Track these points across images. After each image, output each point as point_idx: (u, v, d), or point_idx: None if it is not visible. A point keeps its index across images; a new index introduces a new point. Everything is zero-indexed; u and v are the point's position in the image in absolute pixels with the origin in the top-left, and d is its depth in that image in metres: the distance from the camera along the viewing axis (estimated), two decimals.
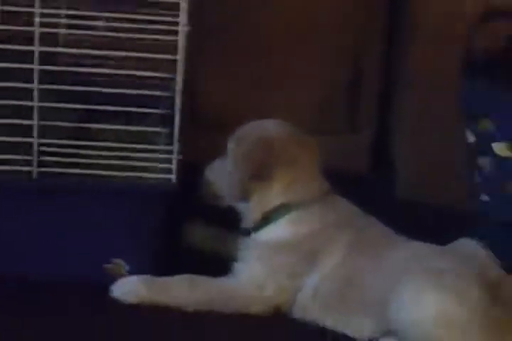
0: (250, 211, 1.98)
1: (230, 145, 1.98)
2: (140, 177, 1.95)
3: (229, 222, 2.06)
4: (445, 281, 1.75)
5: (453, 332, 1.73)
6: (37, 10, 1.83)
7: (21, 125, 1.90)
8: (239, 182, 1.95)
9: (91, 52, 1.99)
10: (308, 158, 1.99)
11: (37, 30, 1.83)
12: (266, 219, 1.96)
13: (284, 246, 1.93)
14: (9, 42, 1.90)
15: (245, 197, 1.96)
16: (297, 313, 1.89)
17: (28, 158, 1.91)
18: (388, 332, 1.79)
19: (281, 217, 1.96)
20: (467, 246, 1.90)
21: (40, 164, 1.90)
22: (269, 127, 2.01)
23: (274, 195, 1.96)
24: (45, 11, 1.87)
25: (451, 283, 1.75)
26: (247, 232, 1.98)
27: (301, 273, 1.92)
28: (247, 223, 1.98)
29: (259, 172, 1.94)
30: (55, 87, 1.90)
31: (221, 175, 2.02)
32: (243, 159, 1.94)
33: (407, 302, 1.75)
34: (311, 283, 1.90)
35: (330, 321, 1.86)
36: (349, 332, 1.84)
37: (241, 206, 1.99)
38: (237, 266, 1.93)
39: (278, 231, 1.96)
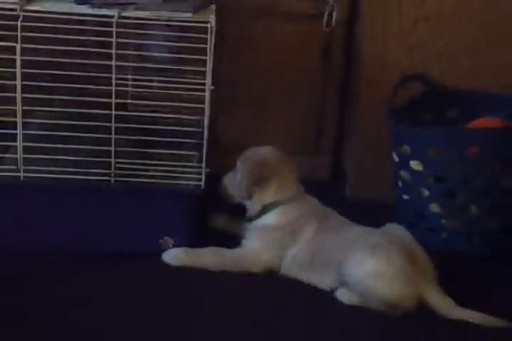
0: (252, 206, 2.13)
1: (239, 163, 2.15)
2: (181, 184, 2.12)
3: (238, 212, 2.20)
4: (378, 251, 1.93)
5: (383, 281, 1.90)
6: (113, 75, 1.98)
7: (104, 150, 2.07)
8: (245, 188, 2.11)
9: (149, 103, 2.17)
10: (289, 172, 2.15)
11: (113, 89, 1.99)
12: (262, 211, 2.12)
13: (274, 229, 2.09)
14: (96, 97, 2.03)
15: (249, 197, 2.12)
16: (283, 272, 2.06)
17: (108, 171, 2.07)
18: (342, 284, 1.96)
19: (272, 210, 2.11)
20: (394, 228, 2.07)
21: (116, 175, 2.08)
22: (264, 152, 2.16)
23: (268, 195, 2.11)
24: (119, 76, 2.02)
25: (382, 252, 1.92)
26: (250, 219, 2.15)
27: (285, 246, 2.06)
28: (250, 213, 2.15)
29: (258, 182, 2.10)
30: (125, 125, 2.07)
31: (233, 183, 2.17)
32: (247, 173, 2.11)
33: (354, 264, 1.93)
34: (291, 253, 2.06)
35: (303, 277, 2.03)
36: (316, 284, 2.01)
37: (246, 202, 2.15)
38: (244, 242, 2.11)
39: (270, 219, 2.10)
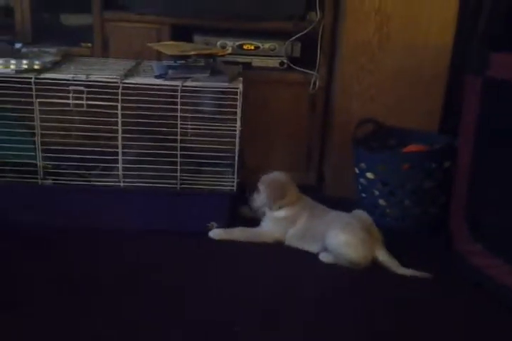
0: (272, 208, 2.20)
1: (262, 187, 2.20)
2: (221, 189, 2.21)
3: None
4: (348, 228, 2.05)
5: (350, 248, 2.01)
6: (178, 122, 2.07)
7: (173, 168, 2.13)
8: (272, 202, 2.15)
9: (201, 138, 2.18)
10: (293, 187, 2.20)
11: (179, 130, 2.08)
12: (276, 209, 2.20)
13: (282, 219, 2.16)
14: (168, 135, 2.11)
15: (270, 207, 2.18)
16: (286, 243, 2.16)
17: (175, 181, 2.15)
18: (324, 249, 2.07)
19: (282, 208, 2.17)
20: (359, 212, 2.17)
21: (180, 184, 2.17)
22: (278, 177, 2.20)
23: (283, 203, 2.16)
24: (182, 122, 2.10)
25: (351, 228, 2.04)
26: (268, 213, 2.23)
27: (287, 228, 2.15)
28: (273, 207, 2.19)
29: (280, 198, 2.16)
30: (186, 153, 2.13)
31: (257, 200, 2.21)
32: (272, 194, 2.16)
33: (332, 236, 2.05)
34: (291, 232, 2.15)
35: (299, 245, 2.13)
36: (307, 249, 2.11)
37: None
38: (262, 224, 2.21)
39: (280, 213, 2.17)
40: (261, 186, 2.20)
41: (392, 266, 2.01)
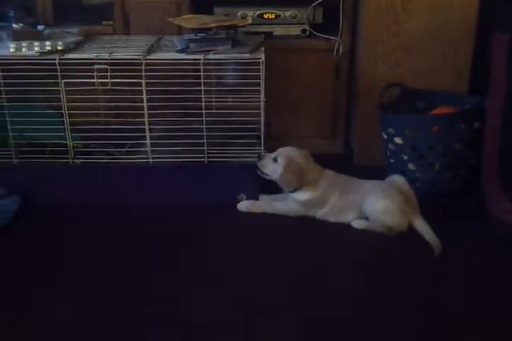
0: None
1: (280, 160, 2.09)
2: (248, 161, 2.20)
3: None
4: (386, 194, 2.04)
5: (388, 214, 2.01)
6: (202, 95, 2.07)
7: (200, 142, 2.16)
8: (287, 185, 2.10)
9: (226, 111, 2.20)
10: (310, 164, 2.12)
11: (203, 104, 2.09)
12: (294, 190, 2.12)
13: (305, 202, 2.10)
14: (193, 109, 2.12)
15: (285, 189, 2.14)
16: (317, 217, 2.13)
17: (203, 155, 2.16)
18: (361, 217, 2.08)
19: (301, 189, 2.10)
20: (395, 177, 2.16)
21: (208, 158, 2.19)
22: (296, 158, 2.09)
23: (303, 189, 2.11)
24: (207, 95, 2.13)
25: (389, 194, 2.04)
26: (288, 192, 2.15)
27: (316, 209, 2.10)
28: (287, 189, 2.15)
29: (299, 184, 2.09)
30: (211, 126, 2.14)
31: (268, 166, 2.12)
32: (286, 180, 2.08)
33: (370, 204, 2.05)
34: (323, 210, 2.10)
35: (333, 219, 2.10)
36: (343, 220, 2.09)
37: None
38: (289, 203, 2.14)
39: (301, 195, 2.10)
40: (279, 159, 2.10)
41: (425, 234, 1.98)
